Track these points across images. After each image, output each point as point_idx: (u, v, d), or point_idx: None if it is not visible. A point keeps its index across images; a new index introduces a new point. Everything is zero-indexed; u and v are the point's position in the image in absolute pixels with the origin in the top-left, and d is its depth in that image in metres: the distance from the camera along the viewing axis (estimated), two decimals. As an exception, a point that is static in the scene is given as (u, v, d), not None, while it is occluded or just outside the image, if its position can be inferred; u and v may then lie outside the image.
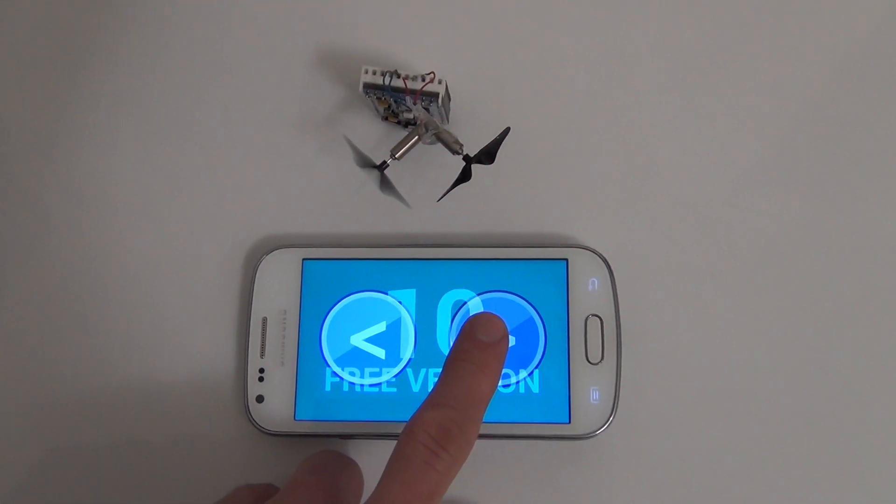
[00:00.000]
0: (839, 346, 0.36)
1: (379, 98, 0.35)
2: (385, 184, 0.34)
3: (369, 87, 0.34)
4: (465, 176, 0.33)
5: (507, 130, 0.33)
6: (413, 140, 0.34)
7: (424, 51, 0.39)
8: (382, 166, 0.33)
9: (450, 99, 0.36)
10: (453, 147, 0.33)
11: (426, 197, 0.35)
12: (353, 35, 0.39)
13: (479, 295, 0.35)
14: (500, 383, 0.34)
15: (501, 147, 0.34)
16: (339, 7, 0.39)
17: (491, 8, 0.39)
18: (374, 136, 0.38)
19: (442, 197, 0.33)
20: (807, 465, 0.35)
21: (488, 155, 0.33)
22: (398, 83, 0.33)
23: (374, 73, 0.34)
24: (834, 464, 0.35)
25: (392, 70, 0.34)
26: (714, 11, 0.38)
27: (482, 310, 0.35)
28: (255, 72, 0.39)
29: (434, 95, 0.33)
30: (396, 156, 0.34)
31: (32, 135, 0.38)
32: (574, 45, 0.38)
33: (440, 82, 0.33)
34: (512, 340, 0.35)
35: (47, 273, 0.37)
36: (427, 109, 0.35)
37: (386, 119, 0.37)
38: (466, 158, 0.33)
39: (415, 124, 0.37)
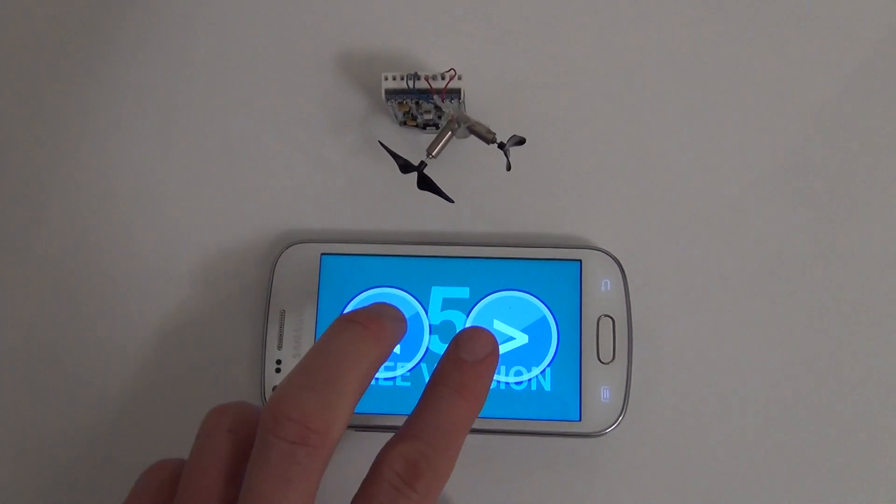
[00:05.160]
0: (848, 348, 0.36)
1: (400, 103, 0.35)
2: (425, 183, 0.34)
3: (391, 93, 0.34)
4: (507, 163, 0.34)
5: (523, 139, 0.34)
6: (447, 136, 0.34)
7: (437, 54, 0.39)
8: (421, 166, 0.34)
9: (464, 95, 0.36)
10: (487, 137, 0.34)
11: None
12: (365, 37, 0.40)
13: (494, 293, 0.36)
14: (513, 380, 0.35)
15: (518, 150, 0.34)
16: (350, 11, 0.40)
17: (506, 11, 0.40)
18: (393, 142, 0.38)
19: (509, 166, 0.34)
20: (816, 465, 0.35)
21: (519, 139, 0.34)
22: (422, 84, 0.34)
23: (395, 78, 0.34)
24: (844, 464, 0.35)
25: (412, 73, 0.34)
26: (728, 19, 0.39)
27: (472, 325, 0.34)
28: (275, 71, 0.39)
29: (457, 92, 0.34)
30: (433, 154, 0.34)
31: (56, 129, 0.39)
32: (589, 49, 0.39)
33: (460, 78, 0.34)
34: (525, 338, 0.35)
35: (68, 265, 0.38)
36: (450, 107, 0.35)
37: (404, 124, 0.38)
38: (501, 146, 0.34)
39: (434, 125, 0.37)
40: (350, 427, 0.35)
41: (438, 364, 0.29)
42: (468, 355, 0.29)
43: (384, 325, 0.28)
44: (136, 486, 0.30)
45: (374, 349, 0.28)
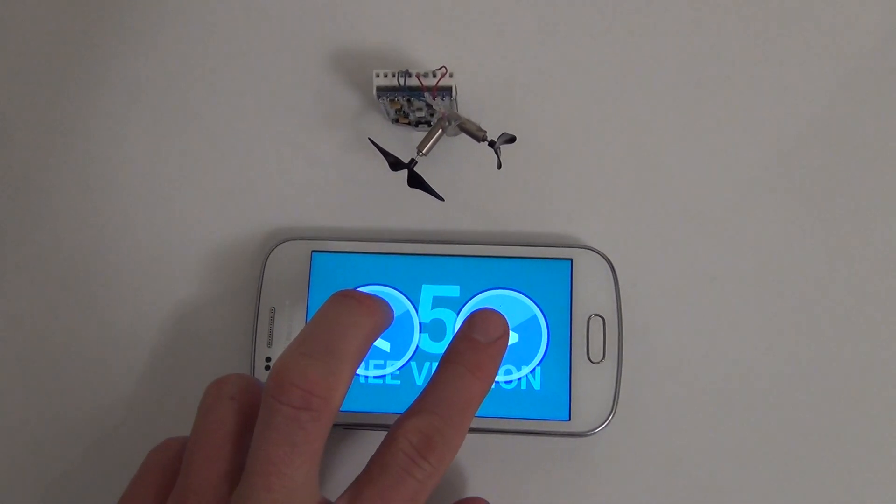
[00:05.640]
0: (837, 349, 0.36)
1: (391, 100, 0.35)
2: (415, 180, 0.34)
3: (382, 91, 0.34)
4: (498, 161, 0.34)
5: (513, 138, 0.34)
6: (437, 134, 0.34)
7: (429, 52, 0.39)
8: (411, 164, 0.34)
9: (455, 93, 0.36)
10: (477, 135, 0.34)
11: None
12: (357, 35, 0.39)
13: (484, 291, 0.36)
14: (502, 379, 0.35)
15: (509, 149, 0.34)
16: (343, 8, 0.40)
17: (498, 10, 0.40)
18: (385, 139, 0.38)
19: (500, 164, 0.34)
20: (803, 465, 0.35)
21: (510, 137, 0.34)
22: (413, 82, 0.34)
23: (386, 75, 0.34)
24: (830, 463, 0.35)
25: (403, 70, 0.34)
26: (722, 20, 0.39)
27: (484, 307, 0.34)
28: (266, 67, 0.39)
29: (448, 89, 0.34)
30: (423, 151, 0.34)
31: (44, 122, 0.39)
32: (580, 48, 0.39)
33: (451, 76, 0.34)
34: (515, 337, 0.35)
35: (56, 262, 0.38)
36: (441, 104, 0.35)
37: (396, 121, 0.38)
38: (491, 144, 0.34)
39: (426, 123, 0.37)
40: (341, 426, 0.35)
41: (451, 343, 0.30)
42: (482, 336, 0.30)
43: (377, 302, 0.30)
44: (143, 465, 0.31)
45: (368, 321, 0.29)
